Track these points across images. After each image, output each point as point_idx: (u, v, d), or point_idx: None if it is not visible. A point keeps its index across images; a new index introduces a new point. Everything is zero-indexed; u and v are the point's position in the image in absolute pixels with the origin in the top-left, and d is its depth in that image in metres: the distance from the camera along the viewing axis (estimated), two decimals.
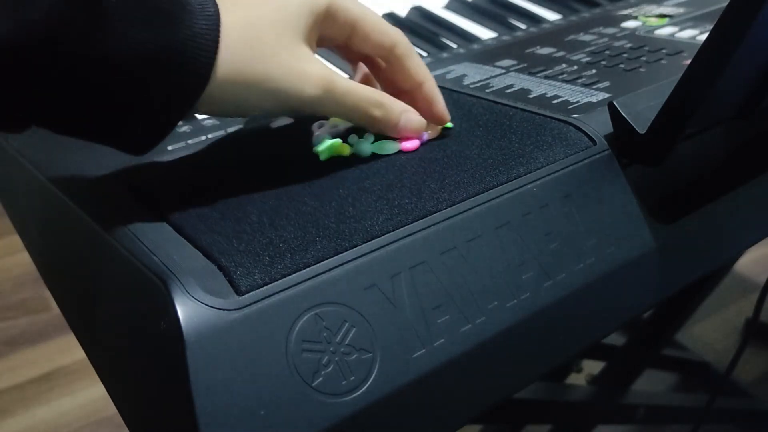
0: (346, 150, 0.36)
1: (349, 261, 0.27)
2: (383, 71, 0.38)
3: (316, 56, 0.33)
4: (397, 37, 0.36)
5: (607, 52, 0.48)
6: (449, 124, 0.39)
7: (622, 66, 0.45)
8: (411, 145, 0.36)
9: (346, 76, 0.35)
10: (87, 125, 0.29)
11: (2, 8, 0.24)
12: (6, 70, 0.25)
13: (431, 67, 0.50)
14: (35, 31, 0.24)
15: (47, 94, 0.26)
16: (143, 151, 0.31)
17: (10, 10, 0.24)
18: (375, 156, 0.35)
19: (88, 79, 0.26)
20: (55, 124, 0.28)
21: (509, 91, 0.43)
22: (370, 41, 0.35)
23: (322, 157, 0.35)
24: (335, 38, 0.35)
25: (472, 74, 0.47)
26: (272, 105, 0.31)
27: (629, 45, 0.50)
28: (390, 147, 0.36)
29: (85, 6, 0.25)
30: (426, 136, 0.37)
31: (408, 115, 0.35)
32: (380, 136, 0.37)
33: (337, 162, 0.35)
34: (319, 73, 0.32)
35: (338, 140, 0.36)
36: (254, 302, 0.25)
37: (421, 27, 0.62)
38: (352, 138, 0.37)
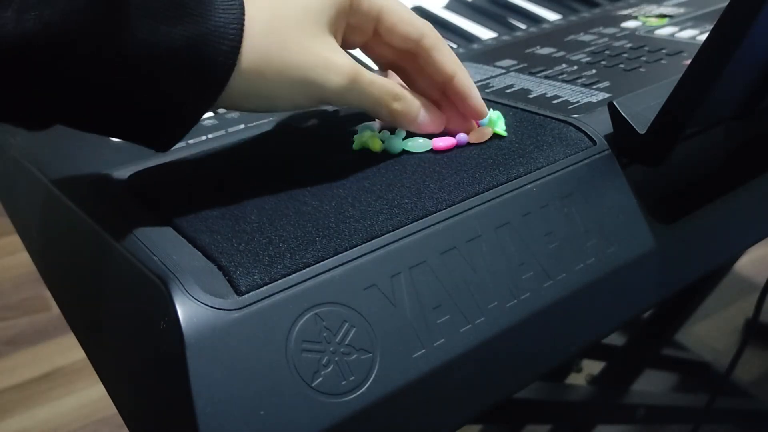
0: (378, 145, 0.36)
1: (349, 261, 0.27)
2: (412, 78, 0.37)
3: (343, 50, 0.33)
4: (425, 28, 0.35)
5: (607, 52, 0.48)
6: (503, 132, 0.37)
7: (622, 66, 0.45)
8: (444, 144, 0.36)
9: None
10: (109, 122, 0.29)
11: (23, 6, 0.24)
12: (27, 68, 0.25)
13: None
14: (56, 29, 0.24)
15: (69, 92, 0.26)
16: (167, 147, 0.30)
17: (30, 8, 0.24)
18: (375, 155, 0.35)
19: (108, 76, 0.26)
20: (77, 122, 0.28)
21: (509, 91, 0.43)
22: (397, 33, 0.35)
23: (355, 147, 0.36)
24: (361, 29, 0.35)
25: (472, 74, 0.47)
26: (298, 95, 0.31)
27: (629, 45, 0.50)
28: (422, 145, 0.36)
29: (106, 3, 0.25)
30: (465, 138, 0.36)
31: (427, 110, 0.35)
32: (412, 134, 0.36)
33: (337, 162, 0.35)
34: (346, 63, 0.31)
35: (371, 132, 0.36)
36: (254, 302, 0.25)
37: None
38: (384, 133, 0.36)
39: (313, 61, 0.30)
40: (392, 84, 0.34)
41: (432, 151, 0.36)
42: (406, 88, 0.35)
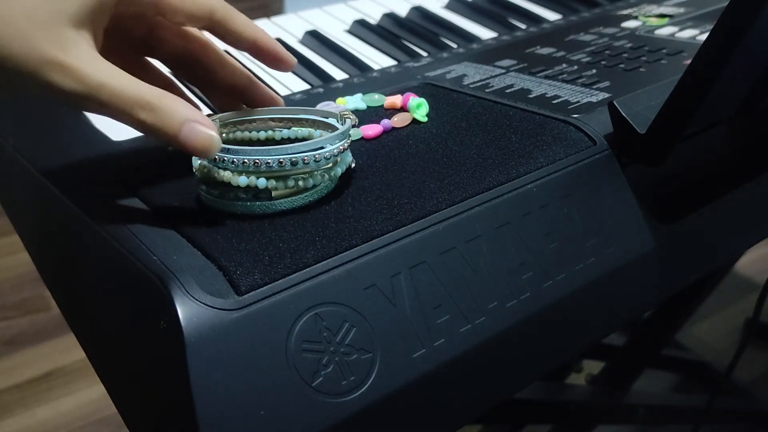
0: None
1: (349, 261, 0.27)
2: (213, 70, 0.36)
3: (88, 44, 0.29)
4: (212, 2, 0.33)
5: (607, 52, 0.48)
6: (421, 118, 0.39)
7: (622, 66, 0.45)
8: (373, 132, 0.38)
9: None
10: None
11: None
12: None
13: (431, 67, 0.50)
14: None
15: None
16: None
17: None
18: (373, 154, 0.35)
19: None
20: None
21: (509, 91, 0.43)
22: (183, 13, 0.32)
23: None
24: (141, 17, 0.33)
25: (472, 74, 0.47)
26: (30, 90, 0.28)
27: (629, 45, 0.50)
28: (353, 134, 0.37)
29: None
30: (390, 123, 0.38)
31: (192, 127, 0.29)
32: None
33: None
34: (73, 63, 0.28)
35: None
36: (254, 302, 0.25)
37: (421, 27, 0.62)
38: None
39: (36, 57, 0.27)
40: (141, 90, 0.29)
41: (363, 139, 0.37)
42: (174, 99, 0.29)
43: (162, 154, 0.37)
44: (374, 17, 0.65)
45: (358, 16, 0.64)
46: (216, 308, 0.24)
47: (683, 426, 0.93)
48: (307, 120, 0.35)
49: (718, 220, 0.40)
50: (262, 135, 0.35)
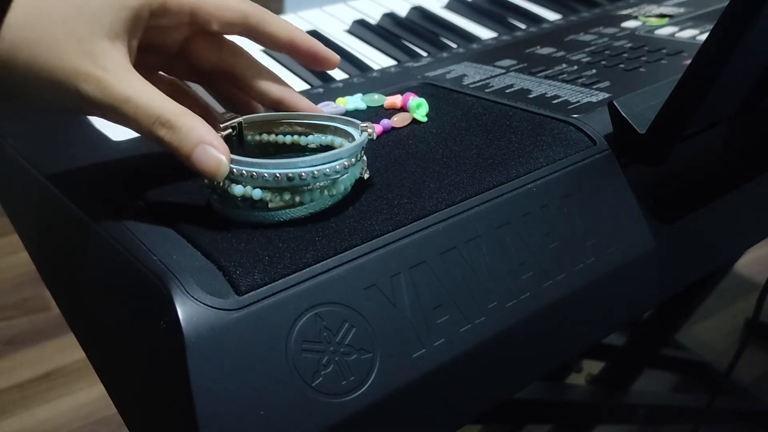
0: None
1: (349, 261, 0.27)
2: (247, 80, 0.35)
3: (122, 57, 0.29)
4: (244, 6, 0.33)
5: (607, 52, 0.48)
6: (421, 118, 0.39)
7: (622, 66, 0.45)
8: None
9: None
10: None
11: None
12: None
13: (431, 67, 0.50)
14: None
15: None
16: None
17: None
18: (373, 154, 0.35)
19: None
20: None
21: (509, 91, 0.43)
22: (217, 21, 0.33)
23: None
24: (176, 29, 0.33)
25: (472, 74, 0.47)
26: (51, 99, 0.29)
27: (629, 45, 0.50)
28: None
29: None
30: (389, 123, 0.38)
31: (205, 149, 0.29)
32: None
33: None
34: (102, 74, 0.28)
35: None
36: (254, 302, 0.25)
37: (421, 27, 0.62)
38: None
39: (62, 66, 0.27)
40: (164, 106, 0.29)
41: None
42: (193, 118, 0.29)
43: (162, 154, 0.37)
44: (374, 17, 0.65)
45: (358, 16, 0.64)
46: (216, 308, 0.24)
47: (683, 426, 0.93)
48: (330, 127, 0.34)
49: (718, 220, 0.40)
50: (288, 139, 0.35)
